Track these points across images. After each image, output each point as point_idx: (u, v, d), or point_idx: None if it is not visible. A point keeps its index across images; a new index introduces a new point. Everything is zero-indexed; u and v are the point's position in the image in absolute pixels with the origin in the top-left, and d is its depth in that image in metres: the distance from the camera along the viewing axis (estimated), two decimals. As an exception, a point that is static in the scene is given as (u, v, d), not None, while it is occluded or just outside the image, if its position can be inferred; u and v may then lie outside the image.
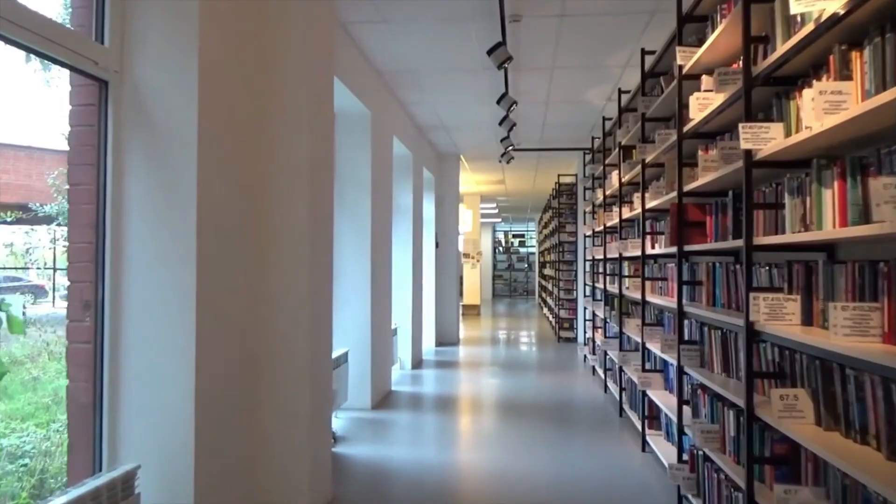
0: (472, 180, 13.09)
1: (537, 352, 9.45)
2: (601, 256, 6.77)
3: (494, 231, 24.84)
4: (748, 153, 2.42)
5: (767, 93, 2.53)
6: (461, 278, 16.60)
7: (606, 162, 6.27)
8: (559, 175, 10.72)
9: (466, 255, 16.16)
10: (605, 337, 6.30)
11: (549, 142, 8.91)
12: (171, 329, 2.56)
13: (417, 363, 8.03)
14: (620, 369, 5.36)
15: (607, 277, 6.39)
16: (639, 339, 4.60)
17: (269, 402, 3.13)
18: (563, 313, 10.67)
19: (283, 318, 3.13)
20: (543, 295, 16.28)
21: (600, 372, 6.83)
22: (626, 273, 5.41)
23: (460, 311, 14.09)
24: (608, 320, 6.15)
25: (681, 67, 3.39)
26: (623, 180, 5.26)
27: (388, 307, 6.39)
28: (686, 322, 3.54)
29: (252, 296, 3.08)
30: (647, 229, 4.47)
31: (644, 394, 4.38)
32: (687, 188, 3.34)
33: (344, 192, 5.55)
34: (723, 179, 2.91)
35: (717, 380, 2.97)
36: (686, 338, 3.48)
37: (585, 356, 8.24)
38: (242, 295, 3.00)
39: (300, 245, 3.15)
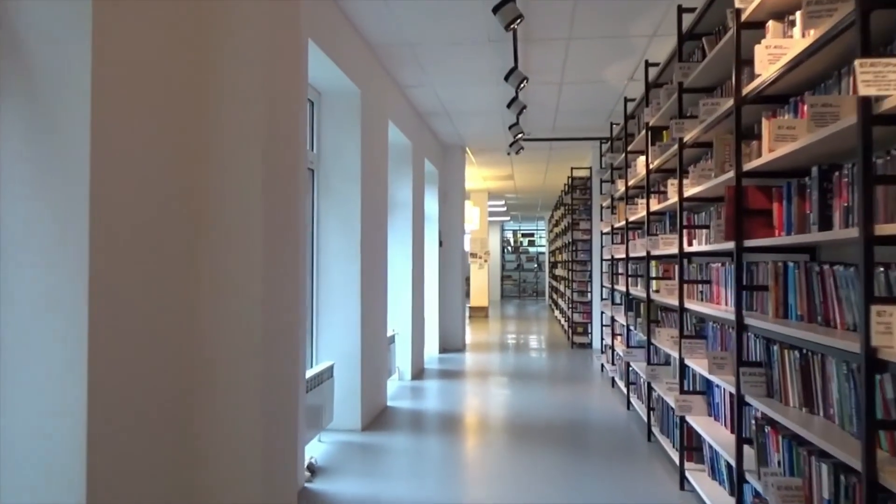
0: (478, 176, 12.38)
1: (549, 359, 8.72)
2: (622, 255, 6.04)
3: (503, 230, 24.11)
4: (867, 104, 1.69)
5: (888, 19, 1.80)
6: (468, 279, 15.91)
7: (629, 149, 5.54)
8: (572, 168, 9.99)
9: (473, 255, 15.44)
10: (628, 346, 5.57)
11: (561, 131, 8.18)
12: (54, 352, 1.86)
13: (418, 373, 7.32)
14: (648, 385, 4.63)
15: (630, 279, 5.66)
16: (671, 352, 3.88)
17: (205, 441, 2.43)
18: (576, 317, 9.93)
19: (223, 333, 2.43)
20: (554, 296, 15.55)
21: (621, 385, 6.10)
22: (655, 274, 4.68)
23: (467, 315, 13.38)
24: (631, 328, 5.42)
25: (738, 13, 2.67)
26: (651, 167, 4.53)
27: (382, 312, 5.69)
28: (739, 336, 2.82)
29: (177, 305, 2.37)
30: (686, 222, 3.74)
31: (682, 419, 3.66)
32: (747, 167, 2.61)
33: (329, 180, 4.86)
34: (804, 152, 2.19)
35: (794, 416, 2.25)
36: (745, 357, 2.75)
37: (603, 365, 7.50)
38: (162, 305, 2.29)
39: (247, 243, 2.44)
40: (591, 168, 9.58)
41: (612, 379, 6.58)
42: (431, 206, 8.81)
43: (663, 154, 4.18)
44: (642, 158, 4.91)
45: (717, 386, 3.35)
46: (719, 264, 3.41)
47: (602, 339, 7.60)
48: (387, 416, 5.36)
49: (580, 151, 9.68)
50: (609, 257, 6.83)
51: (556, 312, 14.38)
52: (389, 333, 6.57)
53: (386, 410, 5.54)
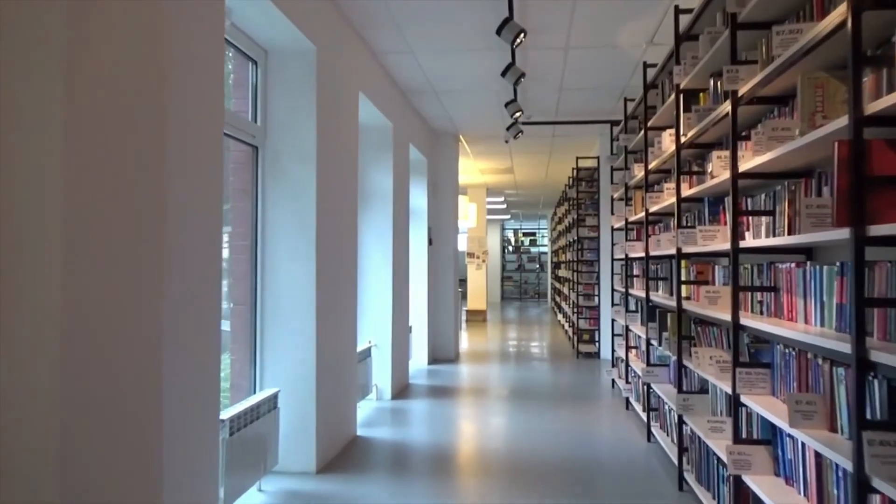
0: (475, 169, 11.41)
1: (553, 372, 7.73)
2: (639, 254, 5.06)
3: (503, 229, 23.13)
4: None
5: None
6: (463, 281, 14.97)
7: (650, 124, 4.56)
8: (577, 158, 9.01)
9: (471, 255, 14.47)
10: (648, 364, 4.59)
11: (566, 113, 7.20)
12: None
13: (401, 390, 6.34)
14: (679, 419, 3.65)
15: (650, 282, 4.68)
16: (717, 383, 2.90)
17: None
18: (581, 323, 8.95)
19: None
20: (557, 299, 14.56)
21: (637, 408, 5.12)
22: (688, 277, 3.70)
23: (462, 319, 12.40)
24: (653, 342, 4.44)
25: None
26: (683, 140, 3.55)
27: (350, 322, 4.72)
28: (827, 372, 1.83)
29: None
30: (742, 207, 2.76)
31: (738, 476, 2.68)
32: (872, 110, 1.64)
33: (279, 161, 3.88)
34: None
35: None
36: (869, 413, 1.76)
37: (614, 381, 6.52)
38: None
39: (35, 234, 1.48)
40: (598, 158, 8.60)
41: (627, 400, 5.59)
42: (419, 199, 7.84)
43: (702, 121, 3.20)
44: (670, 133, 3.93)
45: (789, 436, 2.37)
46: (791, 265, 2.44)
47: (613, 350, 6.62)
48: (354, 450, 4.38)
49: (586, 139, 8.71)
50: (622, 256, 5.85)
51: (560, 316, 13.40)
52: (364, 346, 5.61)
53: (354, 442, 4.56)
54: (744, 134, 2.76)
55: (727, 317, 2.78)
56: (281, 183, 3.88)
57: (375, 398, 5.92)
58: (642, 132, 4.80)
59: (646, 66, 4.82)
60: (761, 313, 2.72)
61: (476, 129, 8.13)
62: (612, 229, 6.62)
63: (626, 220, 5.56)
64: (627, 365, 5.53)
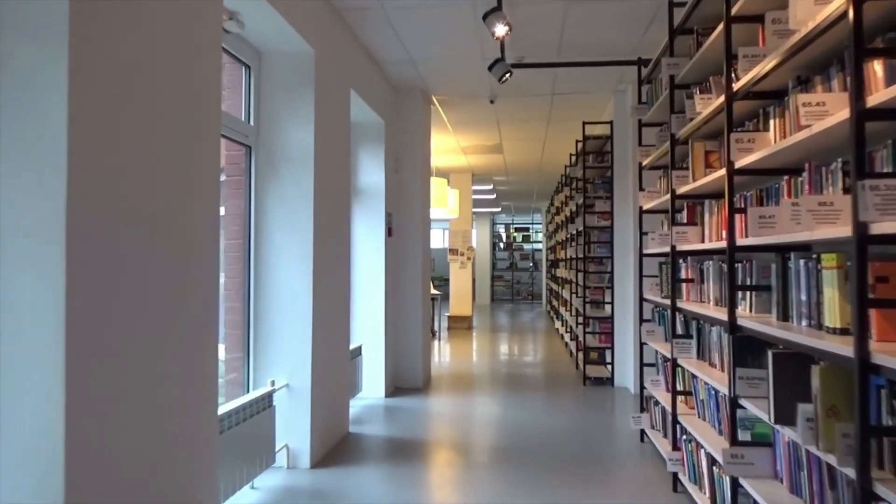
0: (456, 147, 9.38)
1: (554, 409, 5.69)
2: (705, 245, 3.07)
3: (494, 224, 21.12)
4: None
5: None
6: (446, 281, 12.99)
7: (736, 11, 2.53)
8: (584, 123, 6.97)
9: (454, 252, 12.43)
10: (734, 443, 2.57)
11: (573, 48, 5.18)
12: None
13: (331, 450, 4.30)
14: None
15: (740, 294, 2.66)
16: None
17: None
18: (589, 338, 6.94)
19: None
20: (554, 302, 12.56)
21: (698, 499, 3.11)
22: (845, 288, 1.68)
23: (443, 327, 10.33)
24: (745, 403, 2.42)
25: None
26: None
27: (208, 358, 2.66)
28: None
29: None
30: None
31: None
32: None
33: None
34: None
35: None
36: None
37: (644, 433, 4.51)
38: None
39: None
40: (611, 123, 6.58)
41: (675, 477, 3.56)
42: (373, 174, 5.80)
43: None
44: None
45: None
46: None
47: (642, 387, 4.60)
48: None
49: (596, 99, 6.71)
50: (662, 251, 3.85)
51: (557, 323, 11.39)
52: (260, 392, 3.57)
53: (204, 585, 2.51)
54: None
55: None
56: (7, 92, 1.82)
57: (286, 466, 3.88)
58: (721, 29, 2.76)
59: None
60: None
61: (449, 79, 6.09)
62: (641, 212, 4.59)
63: (674, 192, 3.54)
64: (676, 421, 3.52)
